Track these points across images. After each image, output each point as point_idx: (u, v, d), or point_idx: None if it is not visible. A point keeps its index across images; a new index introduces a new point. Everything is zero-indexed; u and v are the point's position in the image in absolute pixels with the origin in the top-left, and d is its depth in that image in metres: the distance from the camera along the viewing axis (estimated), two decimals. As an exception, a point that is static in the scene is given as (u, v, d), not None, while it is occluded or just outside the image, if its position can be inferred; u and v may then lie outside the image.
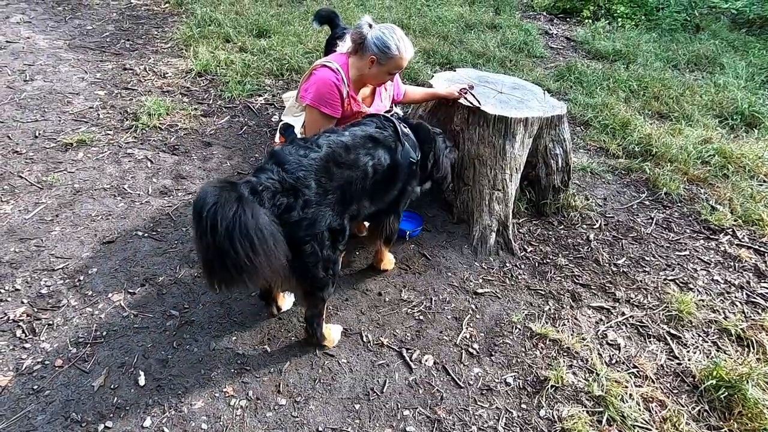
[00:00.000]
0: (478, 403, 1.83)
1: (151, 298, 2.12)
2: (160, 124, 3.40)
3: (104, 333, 1.94)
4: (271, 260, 1.44)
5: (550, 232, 2.78)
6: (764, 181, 3.32)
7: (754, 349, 2.08)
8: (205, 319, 2.05)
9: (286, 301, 2.13)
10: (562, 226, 2.83)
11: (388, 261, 2.39)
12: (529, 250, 2.63)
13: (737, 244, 2.78)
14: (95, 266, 2.24)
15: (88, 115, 3.45)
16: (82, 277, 2.18)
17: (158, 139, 3.28)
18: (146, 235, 2.46)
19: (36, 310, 2.01)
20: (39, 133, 3.17)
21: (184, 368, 1.84)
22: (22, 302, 2.03)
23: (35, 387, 1.72)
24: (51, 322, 1.96)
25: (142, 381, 1.78)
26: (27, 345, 1.86)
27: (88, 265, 2.24)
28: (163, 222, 2.57)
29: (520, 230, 2.77)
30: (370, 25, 2.03)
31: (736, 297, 2.42)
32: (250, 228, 1.38)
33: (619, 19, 6.62)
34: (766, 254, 2.71)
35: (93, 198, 2.68)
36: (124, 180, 2.85)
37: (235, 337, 1.99)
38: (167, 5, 5.86)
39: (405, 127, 2.04)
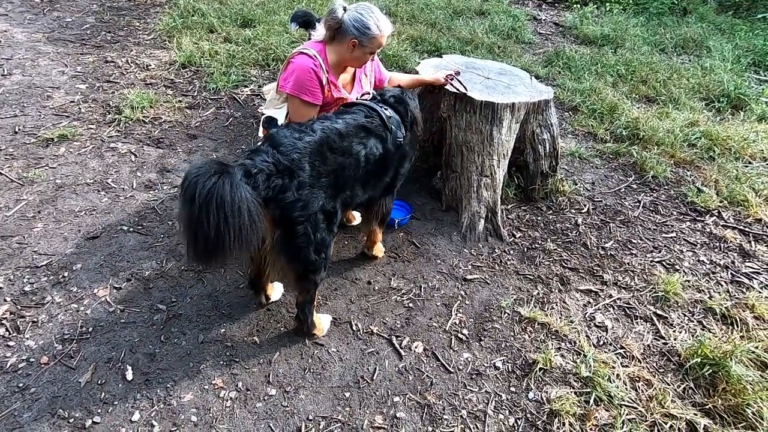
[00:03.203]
0: (468, 387, 1.85)
1: (137, 293, 2.10)
2: (143, 117, 3.34)
3: (90, 329, 1.92)
4: (242, 235, 1.42)
5: (539, 218, 2.79)
6: (749, 163, 3.35)
7: (738, 327, 2.12)
8: (193, 312, 2.04)
9: (275, 291, 2.12)
10: (551, 211, 2.84)
11: (378, 249, 2.39)
12: (518, 236, 2.64)
13: (723, 225, 2.81)
14: (79, 262, 2.21)
15: (69, 109, 3.38)
16: (66, 274, 2.15)
17: (142, 132, 3.22)
18: (131, 229, 2.43)
19: (20, 307, 1.98)
20: (18, 129, 3.10)
21: (173, 362, 1.83)
22: (5, 300, 2.00)
23: (20, 385, 1.70)
24: (35, 320, 1.94)
25: (129, 375, 1.76)
26: (11, 343, 1.84)
27: (73, 261, 2.21)
28: (149, 216, 2.53)
29: (509, 216, 2.77)
30: (345, 8, 1.99)
31: (721, 277, 2.45)
32: (225, 200, 1.37)
33: (607, 4, 6.61)
34: (750, 234, 2.74)
35: (76, 193, 2.63)
36: (107, 174, 2.80)
37: (223, 330, 1.98)
38: (149, -4, 5.72)
39: (386, 110, 2.03)
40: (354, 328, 2.05)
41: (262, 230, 1.50)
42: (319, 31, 2.08)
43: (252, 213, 1.44)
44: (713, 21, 6.19)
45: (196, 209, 1.37)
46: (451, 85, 2.55)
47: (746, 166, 3.30)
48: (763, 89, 4.37)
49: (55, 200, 2.56)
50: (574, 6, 6.60)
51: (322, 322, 1.99)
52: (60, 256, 2.23)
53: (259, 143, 1.81)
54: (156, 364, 1.82)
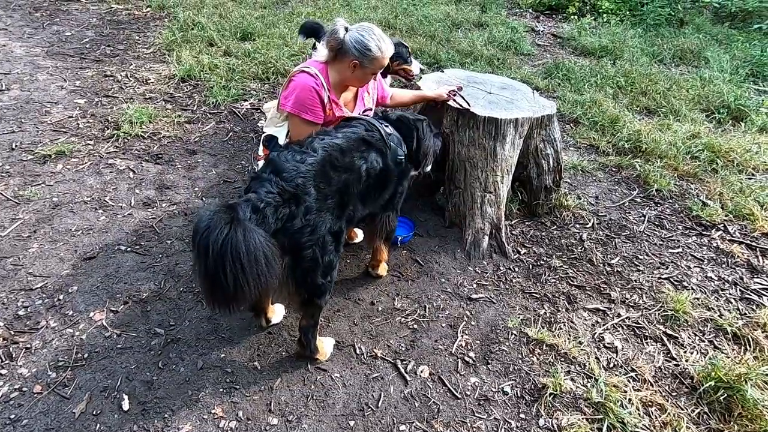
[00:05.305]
0: (476, 414, 1.79)
1: (134, 316, 2.04)
2: (142, 132, 3.31)
3: (85, 355, 1.86)
4: (261, 281, 1.42)
5: (543, 233, 2.75)
6: (753, 175, 3.33)
7: (750, 347, 2.07)
8: (191, 336, 1.98)
9: (276, 313, 2.07)
10: (555, 227, 2.80)
11: (383, 268, 2.34)
12: (522, 252, 2.60)
13: (729, 240, 2.77)
14: (75, 284, 2.15)
15: (67, 124, 3.35)
16: (61, 296, 2.09)
17: (141, 148, 3.18)
18: (129, 249, 2.38)
19: (13, 333, 1.92)
20: (15, 145, 3.06)
21: (171, 389, 1.77)
22: (-2, 325, 1.94)
23: (12, 416, 1.64)
24: (29, 346, 1.88)
25: (125, 405, 1.70)
26: (3, 371, 1.78)
27: (68, 283, 2.15)
28: (147, 235, 2.48)
29: (513, 232, 2.73)
30: (346, 29, 1.97)
31: (730, 294, 2.41)
32: (240, 251, 1.36)
33: (604, 15, 6.64)
34: (758, 249, 2.71)
35: (73, 212, 2.58)
36: (105, 192, 2.75)
37: (223, 355, 1.92)
38: (149, 10, 5.74)
39: (387, 127, 2.01)
40: (357, 351, 1.99)
41: (279, 271, 1.49)
42: (321, 52, 2.06)
43: (269, 258, 1.42)
44: (709, 32, 6.22)
45: (212, 263, 1.34)
46: (454, 100, 2.53)
47: (750, 179, 3.27)
48: (762, 100, 4.36)
49: (51, 219, 2.51)
50: (572, 17, 6.63)
51: (324, 345, 1.94)
52: (55, 277, 2.18)
53: (260, 166, 1.77)
54: (153, 392, 1.76)
